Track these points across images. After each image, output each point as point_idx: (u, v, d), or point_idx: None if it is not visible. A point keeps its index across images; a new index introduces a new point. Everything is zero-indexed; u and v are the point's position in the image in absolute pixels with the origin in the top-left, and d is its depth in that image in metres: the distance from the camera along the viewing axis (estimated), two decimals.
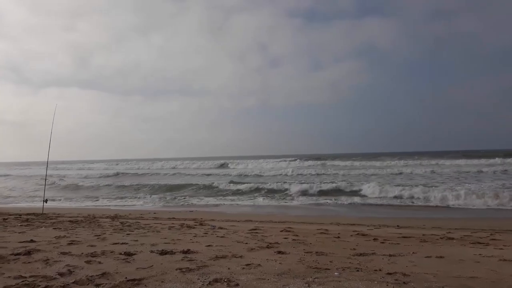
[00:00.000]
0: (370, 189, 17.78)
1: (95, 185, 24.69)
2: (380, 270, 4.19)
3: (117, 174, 35.45)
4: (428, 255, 5.11)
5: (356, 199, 15.76)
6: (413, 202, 14.80)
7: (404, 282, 3.66)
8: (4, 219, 9.61)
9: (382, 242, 6.28)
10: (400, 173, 26.54)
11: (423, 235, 7.21)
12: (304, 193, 18.40)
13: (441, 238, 6.86)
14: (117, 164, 59.30)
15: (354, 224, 9.02)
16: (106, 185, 24.17)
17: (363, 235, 7.16)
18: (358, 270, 4.19)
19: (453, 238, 6.81)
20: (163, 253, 5.14)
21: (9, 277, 3.82)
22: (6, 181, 29.36)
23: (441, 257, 5.02)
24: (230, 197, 18.22)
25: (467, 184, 18.71)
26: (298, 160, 49.39)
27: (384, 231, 7.92)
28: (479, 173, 25.06)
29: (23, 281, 3.66)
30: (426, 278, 3.83)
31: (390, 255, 5.09)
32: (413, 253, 5.34)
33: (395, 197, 16.10)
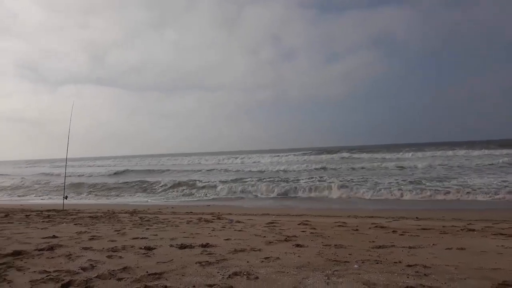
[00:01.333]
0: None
1: (113, 182, 25.06)
2: (400, 262, 4.16)
3: (130, 170, 35.84)
4: (449, 247, 5.04)
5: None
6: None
7: (425, 274, 3.62)
8: (26, 215, 9.85)
9: (401, 234, 6.22)
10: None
11: (443, 226, 7.11)
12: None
13: (461, 229, 6.76)
14: (128, 161, 59.90)
15: (372, 217, 8.95)
16: (124, 182, 24.50)
17: (382, 227, 7.11)
18: (377, 263, 4.16)
19: (474, 230, 6.70)
20: (182, 247, 5.19)
21: (34, 271, 3.92)
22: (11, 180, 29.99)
23: (462, 248, 4.95)
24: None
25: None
26: (325, 153, 49.09)
27: (403, 223, 7.84)
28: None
29: (47, 276, 3.75)
30: (448, 270, 3.79)
31: (409, 247, 5.04)
32: (433, 245, 5.27)
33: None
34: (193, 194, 17.57)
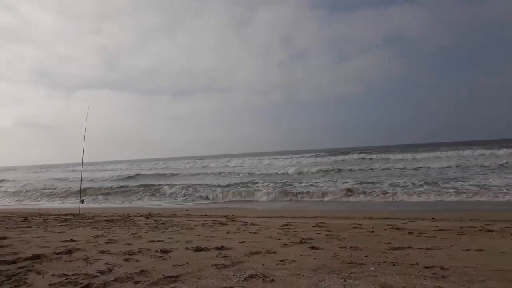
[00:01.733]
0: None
1: (126, 185, 25.32)
2: (417, 264, 4.11)
3: (143, 174, 36.13)
4: (467, 248, 4.97)
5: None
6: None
7: (443, 276, 3.58)
8: (44, 219, 10.01)
9: (418, 236, 6.15)
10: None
11: (460, 227, 7.00)
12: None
13: (479, 230, 6.65)
14: (140, 164, 60.35)
15: (387, 218, 8.87)
16: (137, 186, 24.73)
17: (398, 228, 7.03)
18: (394, 264, 4.13)
19: (492, 230, 6.58)
20: (198, 249, 5.22)
21: (53, 275, 3.98)
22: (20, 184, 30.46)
23: (480, 250, 4.87)
24: None
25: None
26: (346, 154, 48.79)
27: (419, 224, 7.75)
28: None
29: (66, 279, 3.80)
30: (466, 271, 3.73)
31: (426, 249, 4.98)
32: (450, 246, 5.20)
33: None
34: (207, 197, 17.64)
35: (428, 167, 25.04)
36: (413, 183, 16.92)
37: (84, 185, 24.17)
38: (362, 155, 42.76)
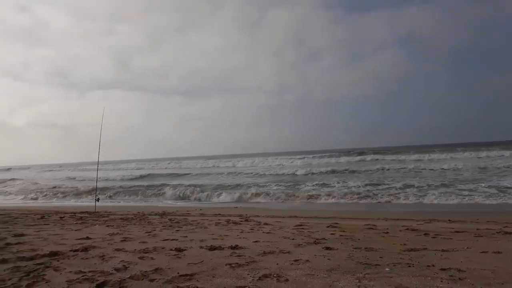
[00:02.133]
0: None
1: (141, 184, 25.57)
2: (433, 265, 4.06)
3: (155, 174, 36.38)
4: (484, 250, 4.89)
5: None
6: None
7: (459, 278, 3.53)
8: (60, 217, 10.17)
9: (434, 237, 6.07)
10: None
11: (477, 229, 6.89)
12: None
13: (497, 232, 6.53)
14: (152, 164, 60.74)
15: (402, 219, 8.77)
16: (150, 185, 24.95)
17: (413, 230, 6.95)
18: (409, 266, 4.09)
19: (510, 233, 6.46)
20: (212, 248, 5.24)
21: (70, 272, 4.04)
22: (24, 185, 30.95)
23: (498, 252, 4.79)
24: None
25: None
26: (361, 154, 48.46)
27: (435, 225, 7.65)
28: None
29: (83, 276, 3.86)
30: (484, 274, 3.67)
31: (442, 250, 4.92)
32: (467, 248, 5.12)
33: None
34: (219, 197, 17.70)
35: (444, 168, 24.69)
36: (428, 184, 16.72)
37: (98, 184, 24.53)
38: (377, 156, 42.37)
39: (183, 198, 18.37)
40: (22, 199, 20.47)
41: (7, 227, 8.00)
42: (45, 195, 22.20)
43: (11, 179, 36.48)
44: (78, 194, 21.94)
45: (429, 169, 24.90)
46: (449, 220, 8.54)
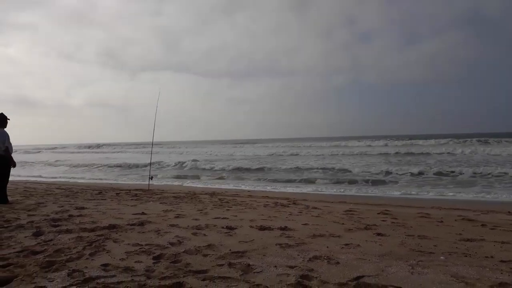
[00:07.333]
0: None
1: (192, 165, 26.28)
2: (492, 257, 3.89)
3: (201, 158, 37.01)
4: None
5: None
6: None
7: None
8: (116, 193, 10.71)
9: (492, 229, 5.77)
10: None
11: None
12: None
13: None
14: (199, 147, 61.74)
15: (457, 209, 8.40)
16: (197, 168, 25.55)
17: (469, 220, 6.65)
18: (466, 256, 3.94)
19: None
20: (262, 228, 5.32)
21: (128, 244, 4.27)
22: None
23: None
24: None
25: None
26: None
27: (493, 216, 7.26)
28: None
29: (140, 248, 4.06)
30: None
31: (502, 242, 4.68)
32: None
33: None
34: (265, 179, 17.78)
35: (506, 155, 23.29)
36: (486, 172, 15.87)
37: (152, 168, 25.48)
38: (434, 141, 40.53)
39: (231, 179, 18.65)
40: (81, 175, 21.72)
41: (69, 201, 8.56)
42: (102, 171, 23.48)
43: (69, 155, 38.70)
44: (129, 173, 22.95)
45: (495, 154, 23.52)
46: (508, 212, 8.07)
